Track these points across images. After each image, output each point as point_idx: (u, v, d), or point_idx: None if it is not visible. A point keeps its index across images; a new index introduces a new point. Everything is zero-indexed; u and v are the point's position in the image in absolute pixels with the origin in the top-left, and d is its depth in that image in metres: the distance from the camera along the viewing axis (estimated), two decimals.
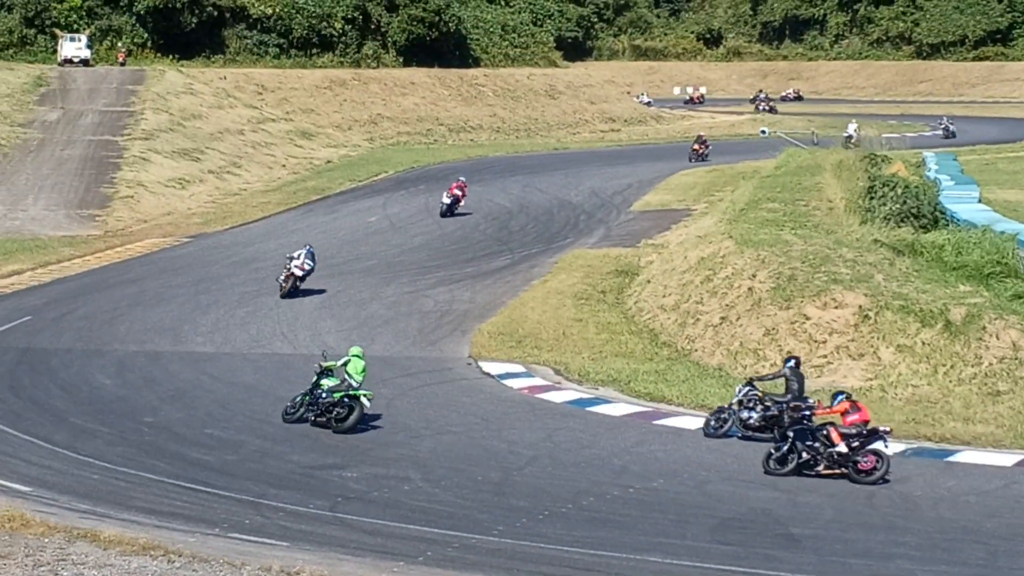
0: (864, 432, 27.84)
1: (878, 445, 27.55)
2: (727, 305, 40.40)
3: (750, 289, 40.19)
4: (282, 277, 47.42)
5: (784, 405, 30.27)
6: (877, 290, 37.89)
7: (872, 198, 55.41)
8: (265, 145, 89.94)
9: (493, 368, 38.17)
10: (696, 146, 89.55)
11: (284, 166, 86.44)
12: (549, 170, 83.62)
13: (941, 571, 22.16)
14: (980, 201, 57.71)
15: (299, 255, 47.44)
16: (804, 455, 27.96)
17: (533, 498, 26.44)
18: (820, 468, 27.94)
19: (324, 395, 31.72)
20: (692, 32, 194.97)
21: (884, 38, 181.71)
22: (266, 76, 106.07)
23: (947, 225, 50.69)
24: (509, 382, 36.82)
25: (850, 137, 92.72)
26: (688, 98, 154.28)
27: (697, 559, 22.66)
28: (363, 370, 31.85)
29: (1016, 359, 34.42)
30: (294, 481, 27.59)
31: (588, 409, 34.17)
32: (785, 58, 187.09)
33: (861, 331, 36.54)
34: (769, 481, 27.73)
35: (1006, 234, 44.52)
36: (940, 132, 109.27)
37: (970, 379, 34.21)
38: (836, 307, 37.41)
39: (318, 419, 31.69)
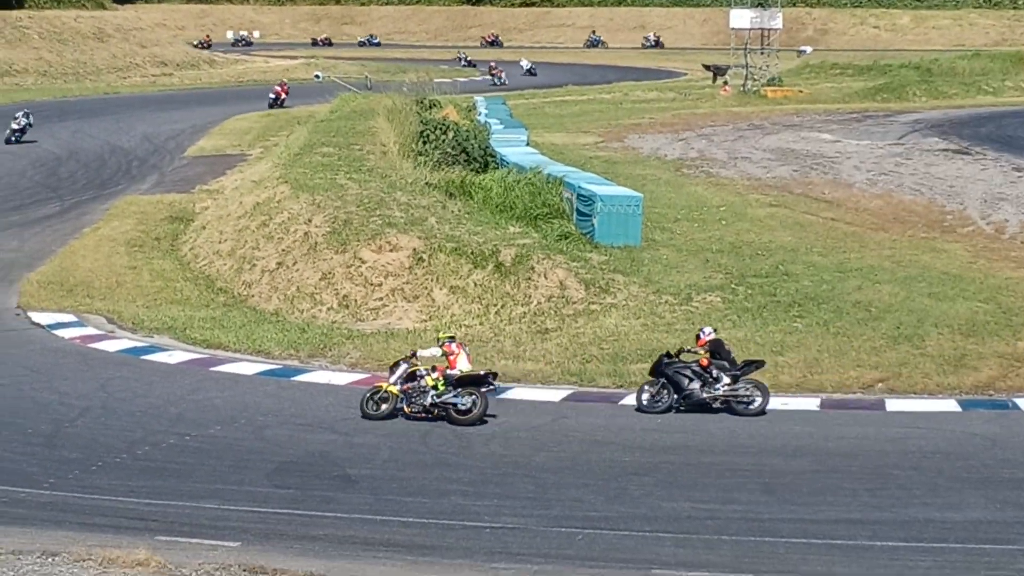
0: None
1: None
2: (283, 250, 40.34)
3: (306, 234, 40.22)
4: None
5: None
6: (431, 233, 38.51)
7: (425, 142, 56.11)
8: None
9: (43, 318, 37.07)
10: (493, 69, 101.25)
11: None
12: (100, 115, 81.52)
13: (493, 505, 22.70)
14: (528, 144, 59.17)
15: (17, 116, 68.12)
16: None
17: (86, 449, 25.77)
18: None
19: None
20: None
21: None
22: None
23: (497, 168, 51.73)
24: (60, 332, 35.83)
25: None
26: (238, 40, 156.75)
27: (254, 504, 22.56)
28: None
29: (563, 297, 35.61)
30: None
31: (143, 358, 33.56)
32: (339, 2, 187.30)
33: (416, 273, 37.10)
34: (327, 424, 27.86)
35: (552, 176, 45.76)
36: (523, 72, 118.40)
37: (520, 318, 35.19)
38: (391, 250, 37.85)
39: None
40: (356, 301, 36.99)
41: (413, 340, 33.76)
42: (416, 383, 27.80)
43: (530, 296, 35.89)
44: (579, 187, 42.87)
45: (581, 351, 32.73)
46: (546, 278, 36.23)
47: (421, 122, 60.00)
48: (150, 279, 41.41)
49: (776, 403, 28.40)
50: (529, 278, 36.29)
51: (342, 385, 31.07)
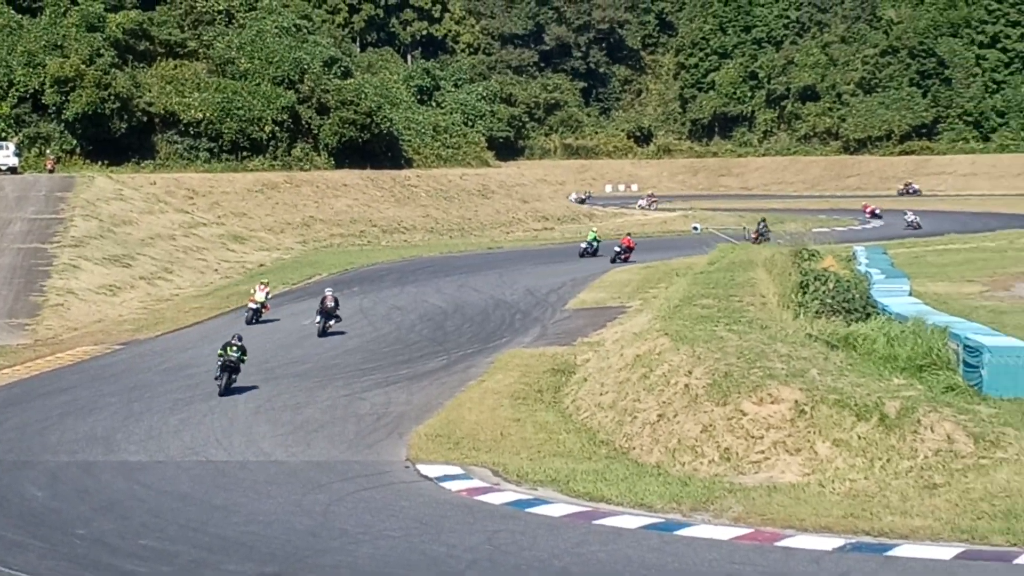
0: None
1: None
2: (664, 402, 40.36)
3: (687, 386, 40.17)
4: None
5: None
6: (812, 384, 37.95)
7: (805, 292, 55.71)
8: (197, 250, 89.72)
9: (431, 471, 37.91)
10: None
11: (216, 270, 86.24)
12: (484, 269, 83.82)
13: None
14: (911, 294, 58.15)
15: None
16: None
17: None
18: None
19: None
20: (622, 130, 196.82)
21: (812, 134, 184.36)
22: (197, 180, 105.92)
23: (879, 318, 50.93)
24: (447, 484, 36.55)
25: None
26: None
27: None
28: None
29: (951, 451, 34.48)
30: None
31: (527, 510, 33.91)
32: (715, 154, 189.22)
33: (797, 426, 36.54)
34: None
35: (937, 327, 44.77)
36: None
37: (906, 472, 34.22)
38: (772, 402, 37.41)
39: None
40: (737, 454, 36.64)
41: (796, 494, 33.30)
42: None
43: (916, 450, 34.89)
44: (965, 337, 41.78)
45: (972, 507, 31.60)
46: (933, 431, 35.18)
47: (801, 272, 59.67)
48: (533, 431, 41.95)
49: None
50: (915, 431, 35.30)
51: (725, 540, 30.73)
